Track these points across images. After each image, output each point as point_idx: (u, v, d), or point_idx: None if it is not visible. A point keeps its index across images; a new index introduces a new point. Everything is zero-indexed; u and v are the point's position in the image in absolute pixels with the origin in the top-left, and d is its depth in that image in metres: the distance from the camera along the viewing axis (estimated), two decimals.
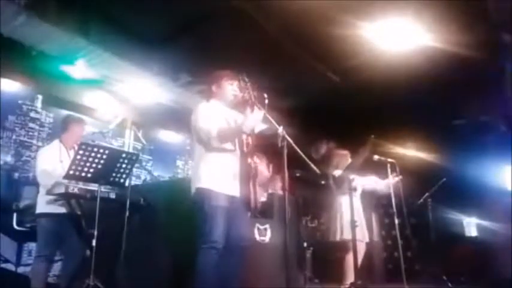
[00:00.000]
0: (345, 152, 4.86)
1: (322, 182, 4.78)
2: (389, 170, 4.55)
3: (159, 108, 6.13)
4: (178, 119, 5.96)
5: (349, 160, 4.75)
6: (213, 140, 2.85)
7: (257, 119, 2.80)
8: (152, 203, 3.79)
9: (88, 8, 4.51)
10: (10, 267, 4.62)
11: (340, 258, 4.57)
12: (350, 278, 4.41)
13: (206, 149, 2.93)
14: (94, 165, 3.20)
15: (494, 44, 4.85)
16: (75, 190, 3.35)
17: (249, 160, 2.88)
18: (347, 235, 4.47)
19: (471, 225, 7.65)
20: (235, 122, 3.05)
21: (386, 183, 4.68)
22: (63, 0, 4.36)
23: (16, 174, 5.23)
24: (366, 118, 6.11)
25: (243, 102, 2.96)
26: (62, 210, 3.49)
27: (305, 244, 5.51)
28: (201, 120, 2.93)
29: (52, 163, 3.56)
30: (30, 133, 5.59)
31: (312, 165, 3.01)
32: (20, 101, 5.54)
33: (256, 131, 3.07)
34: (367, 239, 4.69)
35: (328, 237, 4.76)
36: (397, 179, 4.57)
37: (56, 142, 3.76)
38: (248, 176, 2.85)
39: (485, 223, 7.20)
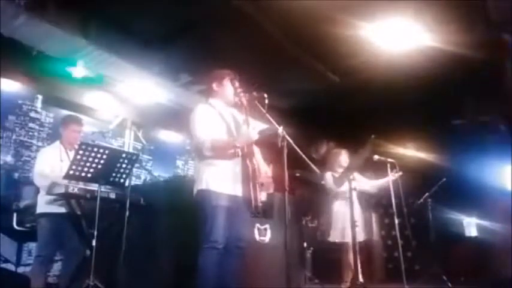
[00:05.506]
0: (344, 151, 4.86)
1: (322, 182, 4.79)
2: (389, 170, 4.55)
3: (159, 108, 6.12)
4: (178, 119, 5.95)
5: (348, 160, 4.74)
6: (205, 150, 2.85)
7: (251, 137, 2.81)
8: (152, 203, 3.79)
9: (88, 8, 4.51)
10: (10, 267, 4.61)
11: (338, 258, 4.57)
12: (350, 277, 4.41)
13: None
14: (94, 165, 3.21)
15: (494, 44, 4.85)
16: (75, 190, 3.35)
17: (249, 160, 2.88)
18: (338, 237, 4.47)
19: (471, 225, 7.62)
20: (234, 121, 3.05)
21: (377, 185, 4.70)
22: (63, 0, 4.36)
23: (16, 174, 5.24)
24: (366, 118, 6.11)
25: (242, 103, 2.96)
26: (62, 210, 3.50)
27: (305, 244, 5.51)
28: (197, 127, 2.91)
29: (51, 164, 3.56)
30: (30, 133, 5.59)
31: (312, 165, 3.02)
32: (20, 101, 5.54)
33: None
34: (361, 239, 4.68)
35: (325, 237, 4.77)
36: (397, 175, 4.57)
37: (57, 143, 3.77)
38: (248, 175, 2.85)
39: (485, 223, 7.18)
